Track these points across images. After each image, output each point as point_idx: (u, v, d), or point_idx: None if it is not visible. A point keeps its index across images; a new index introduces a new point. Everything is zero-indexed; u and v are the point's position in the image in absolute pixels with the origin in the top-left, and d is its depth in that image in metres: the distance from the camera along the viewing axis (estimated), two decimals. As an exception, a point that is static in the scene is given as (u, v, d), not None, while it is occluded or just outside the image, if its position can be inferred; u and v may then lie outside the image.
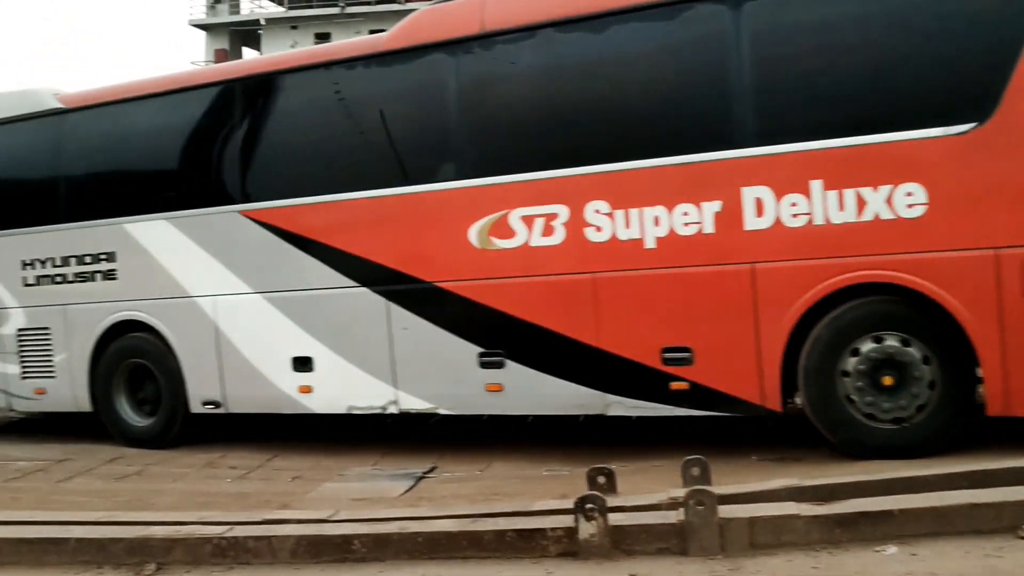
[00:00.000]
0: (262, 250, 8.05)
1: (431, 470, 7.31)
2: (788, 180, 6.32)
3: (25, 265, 9.28)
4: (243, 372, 8.23)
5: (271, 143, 8.22)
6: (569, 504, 4.91)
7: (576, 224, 6.91)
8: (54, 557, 5.33)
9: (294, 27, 38.68)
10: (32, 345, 9.33)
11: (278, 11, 40.27)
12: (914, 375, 6.13)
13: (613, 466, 5.67)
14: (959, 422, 6.13)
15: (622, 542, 4.80)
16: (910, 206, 6.03)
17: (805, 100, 6.40)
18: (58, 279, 9.13)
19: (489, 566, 4.82)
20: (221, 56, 37.59)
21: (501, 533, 4.92)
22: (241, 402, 8.38)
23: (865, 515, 4.75)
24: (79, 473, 8.12)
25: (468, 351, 7.32)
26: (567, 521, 4.85)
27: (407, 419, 8.13)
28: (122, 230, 8.73)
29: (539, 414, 7.59)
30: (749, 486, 5.37)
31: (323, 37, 35.71)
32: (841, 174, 6.19)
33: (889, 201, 6.07)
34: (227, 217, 8.21)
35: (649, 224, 6.70)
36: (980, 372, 5.99)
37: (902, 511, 4.73)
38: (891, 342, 6.17)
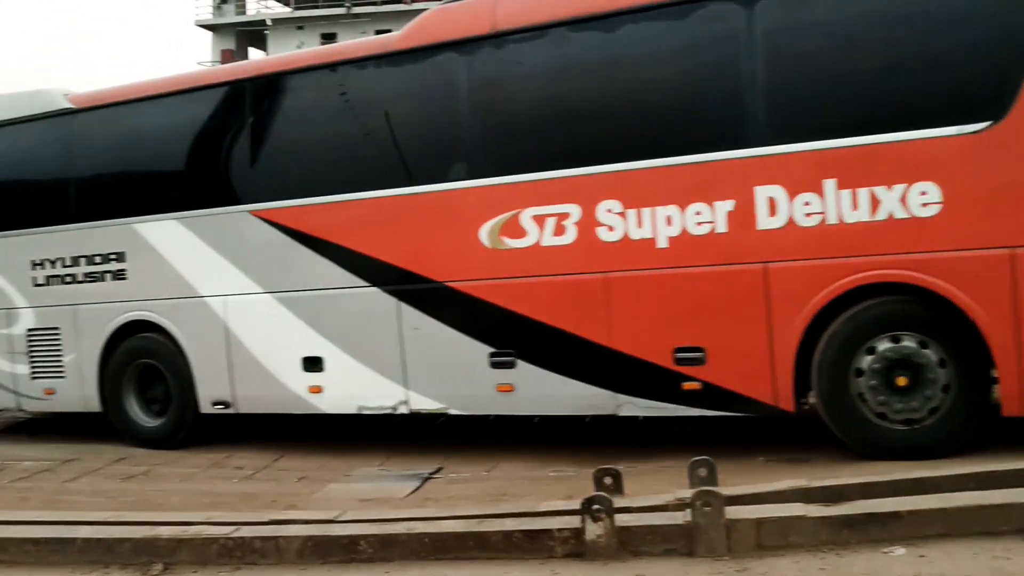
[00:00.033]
0: (272, 250, 8.05)
1: (437, 471, 7.30)
2: (801, 179, 6.29)
3: (35, 265, 9.28)
4: (253, 372, 8.22)
5: (281, 143, 8.21)
6: (576, 505, 4.90)
7: (588, 224, 6.89)
8: (61, 557, 5.34)
9: (300, 27, 38.74)
10: (42, 345, 9.33)
11: (284, 11, 40.32)
12: (929, 377, 6.10)
13: (620, 467, 5.64)
14: (972, 425, 6.09)
15: (629, 543, 4.79)
16: (924, 205, 6.00)
17: (818, 99, 6.37)
18: (68, 279, 9.13)
19: (495, 567, 4.81)
20: (227, 56, 37.67)
21: (508, 534, 4.92)
22: (251, 402, 8.37)
23: (873, 516, 4.74)
24: (85, 473, 8.13)
25: (479, 351, 7.31)
26: (574, 522, 4.85)
27: (413, 420, 8.12)
28: (132, 230, 8.73)
29: (550, 414, 7.56)
30: (756, 487, 5.35)
31: (329, 37, 35.72)
32: (855, 173, 6.16)
33: (903, 200, 6.04)
34: (237, 217, 8.21)
35: (661, 224, 6.68)
36: (995, 373, 5.96)
37: (910, 512, 4.72)
38: (908, 343, 6.14)
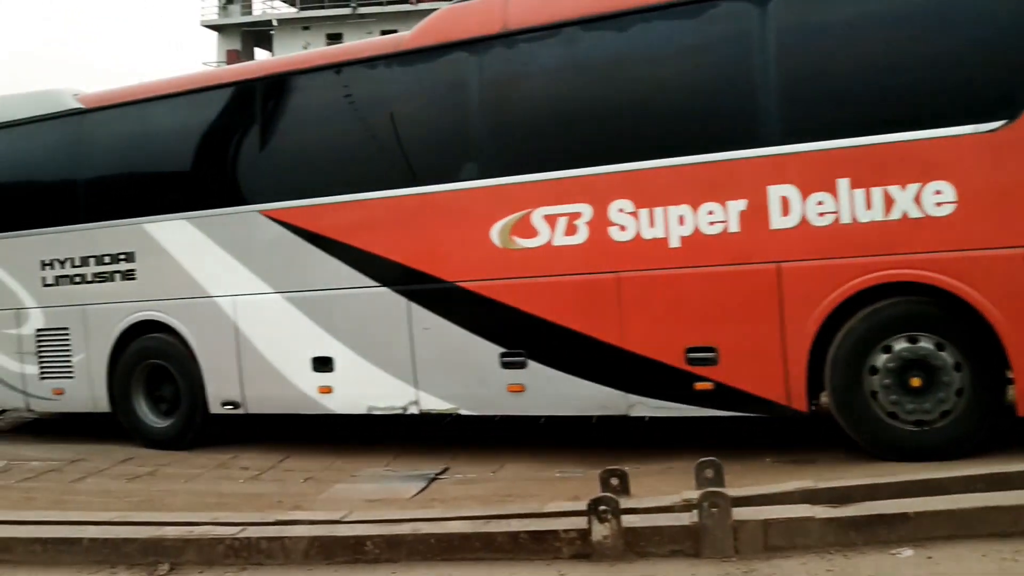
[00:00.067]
0: (282, 250, 8.04)
1: (443, 471, 7.29)
2: (814, 179, 6.27)
3: (44, 265, 9.28)
4: (262, 372, 8.21)
5: (291, 142, 8.20)
6: (582, 506, 4.89)
7: (600, 223, 6.87)
8: (68, 557, 5.36)
9: (306, 28, 38.81)
10: (51, 345, 9.33)
11: (290, 12, 40.39)
12: (943, 380, 6.07)
13: (626, 468, 5.64)
14: (984, 429, 6.05)
15: (635, 544, 4.79)
16: (939, 204, 5.97)
17: (831, 98, 6.34)
18: (77, 279, 9.12)
19: (502, 567, 4.81)
20: (233, 57, 37.75)
21: (514, 535, 4.92)
22: (260, 402, 8.36)
23: (880, 518, 4.73)
24: (92, 473, 8.13)
25: (490, 351, 7.30)
26: (580, 523, 4.85)
27: (419, 420, 8.12)
28: (141, 230, 8.73)
29: (561, 415, 7.53)
30: (763, 488, 5.35)
31: (335, 38, 35.81)
32: (868, 172, 6.14)
33: (917, 199, 6.01)
34: (247, 217, 8.20)
35: (674, 223, 6.66)
36: (1010, 374, 5.92)
37: (918, 514, 4.70)
38: (925, 344, 6.11)
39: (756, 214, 6.43)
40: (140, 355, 8.92)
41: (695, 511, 4.78)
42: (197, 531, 5.34)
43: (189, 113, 8.69)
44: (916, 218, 6.02)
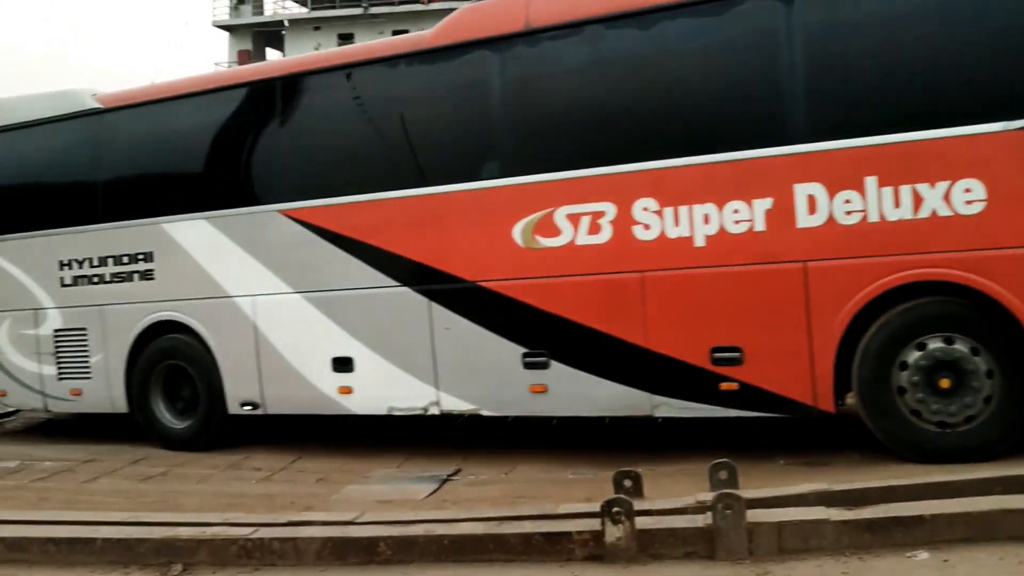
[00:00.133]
0: (302, 249, 8.02)
1: (456, 472, 7.27)
2: (841, 177, 6.22)
3: (62, 265, 9.28)
4: (282, 373, 8.20)
5: (311, 142, 8.18)
6: (595, 507, 4.89)
7: (624, 222, 6.83)
8: (81, 557, 5.39)
9: (317, 28, 38.84)
10: (69, 346, 9.33)
11: (302, 12, 40.45)
12: (973, 385, 6.02)
13: (639, 469, 5.63)
14: (1009, 439, 5.97)
15: (649, 546, 4.80)
16: (968, 203, 5.91)
17: (859, 95, 6.29)
18: (95, 279, 9.12)
19: (515, 569, 4.82)
20: (245, 57, 37.84)
21: (527, 536, 4.92)
22: (280, 403, 8.35)
23: (896, 520, 4.72)
24: (105, 473, 8.14)
25: (512, 351, 7.26)
26: (593, 524, 4.85)
27: (431, 421, 8.12)
28: (160, 230, 8.72)
29: (585, 416, 7.48)
30: (777, 490, 5.33)
31: (346, 38, 35.83)
32: (896, 170, 6.09)
33: (947, 198, 5.96)
34: (267, 216, 8.19)
35: (699, 222, 6.62)
36: None
37: (933, 516, 4.69)
38: (960, 346, 6.05)
39: (782, 213, 6.39)
40: (158, 355, 8.91)
41: (709, 513, 4.78)
42: (210, 532, 5.35)
43: (208, 112, 8.67)
44: (945, 216, 5.96)
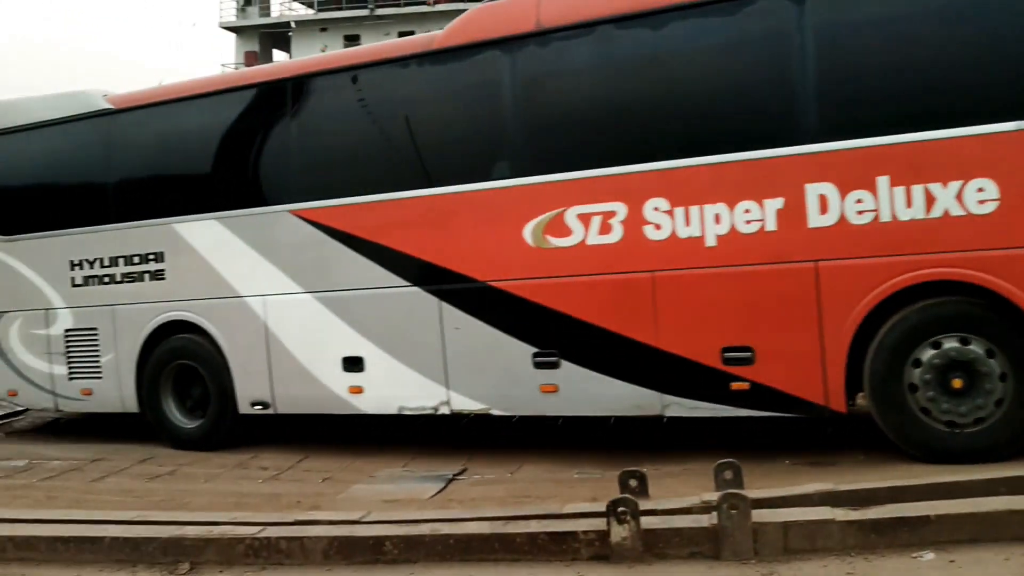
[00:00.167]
0: (313, 249, 8.03)
1: (461, 472, 7.29)
2: (853, 177, 6.22)
3: (73, 266, 9.31)
4: (293, 372, 8.21)
5: (322, 142, 8.18)
6: (601, 507, 4.91)
7: (634, 222, 6.83)
8: (90, 556, 5.43)
9: (323, 29, 38.89)
10: (79, 346, 9.35)
11: (308, 13, 40.51)
12: (986, 387, 6.02)
13: (644, 469, 5.63)
14: (1017, 444, 5.94)
15: (654, 545, 4.80)
16: (981, 202, 5.90)
17: (871, 94, 6.28)
18: (106, 279, 9.14)
19: (521, 568, 4.83)
20: (251, 59, 37.89)
21: (533, 536, 4.93)
22: (290, 403, 8.36)
23: (902, 521, 4.72)
24: (112, 472, 8.18)
25: (522, 351, 7.27)
26: (599, 524, 4.86)
27: (437, 420, 8.13)
28: (171, 230, 8.74)
29: (594, 415, 7.49)
30: (783, 490, 5.34)
31: (352, 39, 35.88)
32: (908, 170, 6.08)
33: (959, 197, 5.95)
34: (277, 216, 8.20)
35: (710, 222, 6.62)
36: None
37: (940, 517, 4.69)
38: (976, 348, 6.04)
39: (793, 212, 6.38)
40: (169, 355, 8.93)
41: (714, 513, 4.78)
42: (217, 531, 5.38)
43: (219, 113, 8.69)
44: (958, 216, 5.96)
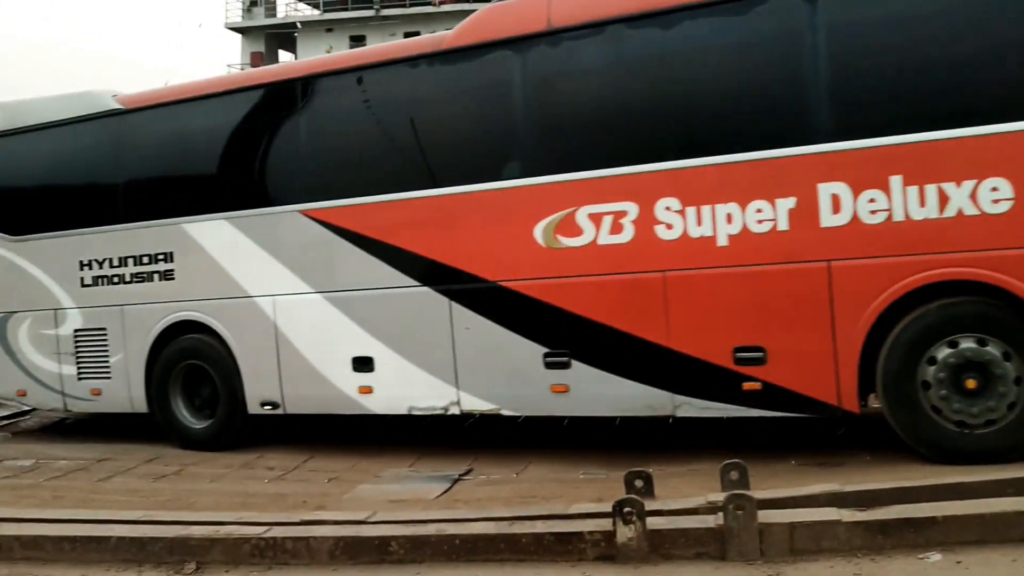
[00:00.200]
0: (323, 249, 8.04)
1: (467, 472, 7.29)
2: (866, 176, 6.20)
3: (83, 266, 9.31)
4: (302, 372, 8.21)
5: (332, 142, 8.19)
6: (607, 507, 4.91)
7: (646, 222, 6.82)
8: (96, 555, 5.44)
9: (329, 30, 38.91)
10: (89, 346, 9.36)
11: (314, 14, 40.55)
12: (999, 389, 6.00)
13: (650, 469, 5.63)
14: None
15: (660, 546, 4.80)
16: (995, 201, 5.88)
17: (883, 94, 6.26)
18: (115, 280, 9.14)
19: (527, 569, 4.84)
20: (258, 59, 37.94)
21: (539, 536, 4.93)
22: (300, 403, 8.36)
23: (908, 521, 4.71)
24: (119, 472, 8.19)
25: (533, 351, 7.26)
26: (605, 525, 4.86)
27: (443, 420, 8.13)
28: (180, 230, 8.75)
29: (606, 415, 7.49)
30: (789, 491, 5.34)
31: (358, 40, 35.91)
32: (922, 169, 6.07)
33: (973, 197, 5.93)
34: (287, 216, 8.20)
35: (721, 221, 6.60)
36: None
37: (946, 518, 4.68)
38: (992, 349, 6.02)
39: (806, 212, 6.37)
40: (178, 355, 8.93)
41: (720, 513, 4.78)
42: (223, 531, 5.39)
43: (228, 113, 8.69)
44: (972, 215, 5.94)
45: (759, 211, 6.50)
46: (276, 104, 8.45)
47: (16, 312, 9.73)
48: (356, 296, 7.93)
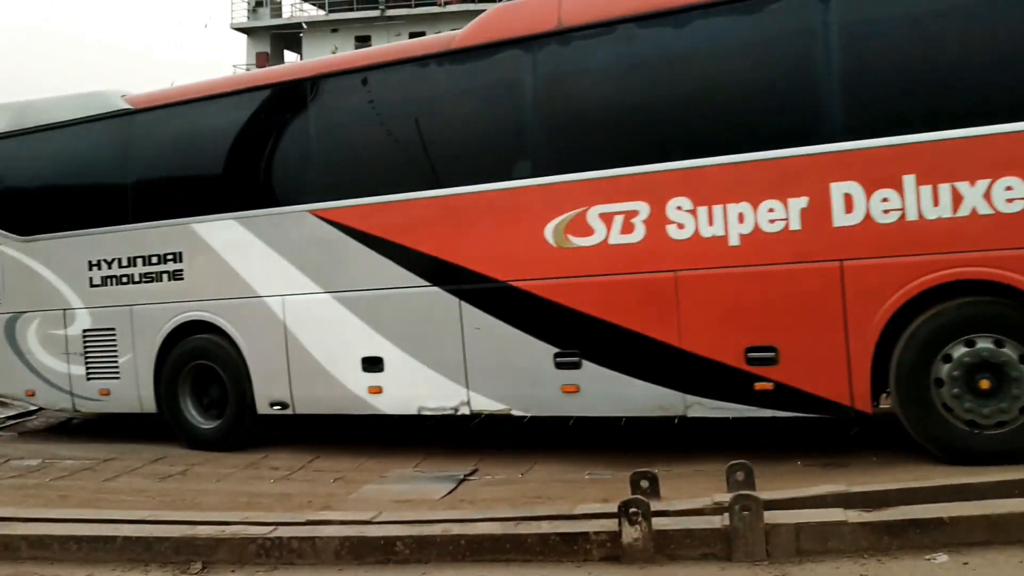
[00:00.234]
0: (332, 249, 8.03)
1: (472, 472, 7.28)
2: (878, 175, 6.18)
3: (92, 266, 9.31)
4: (312, 373, 8.21)
5: (341, 142, 8.19)
6: (612, 508, 4.90)
7: (657, 221, 6.81)
8: (102, 555, 5.44)
9: (334, 30, 38.93)
10: (97, 346, 9.36)
11: (319, 14, 40.59)
12: (1012, 392, 5.98)
13: (656, 470, 5.62)
14: None
15: (666, 547, 4.79)
16: (1010, 201, 5.86)
17: (896, 92, 6.24)
18: (124, 280, 9.15)
19: (532, 569, 4.83)
20: (263, 60, 37.93)
21: (544, 536, 4.93)
22: (309, 403, 8.35)
23: (915, 522, 4.69)
24: (125, 472, 8.20)
25: (543, 351, 7.24)
26: (610, 525, 4.85)
27: (448, 421, 8.13)
28: (189, 230, 8.75)
29: (616, 416, 7.47)
30: (795, 491, 5.33)
31: (363, 40, 35.92)
32: (935, 168, 6.04)
33: (987, 196, 5.90)
34: (297, 216, 8.19)
35: (733, 221, 6.59)
36: None
37: (953, 519, 4.67)
38: (1009, 351, 5.99)
39: (818, 212, 6.35)
40: (187, 356, 8.93)
41: (726, 514, 4.77)
42: (229, 530, 5.39)
43: (238, 113, 8.68)
44: (986, 215, 5.91)
45: (771, 211, 6.48)
46: (286, 104, 8.45)
47: (25, 312, 9.73)
48: (366, 296, 7.93)
